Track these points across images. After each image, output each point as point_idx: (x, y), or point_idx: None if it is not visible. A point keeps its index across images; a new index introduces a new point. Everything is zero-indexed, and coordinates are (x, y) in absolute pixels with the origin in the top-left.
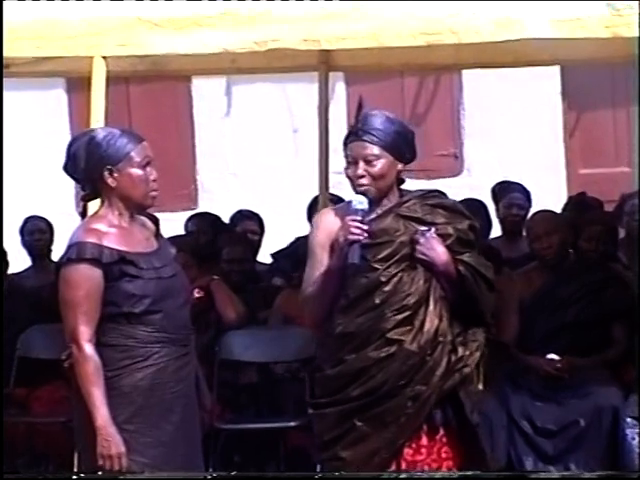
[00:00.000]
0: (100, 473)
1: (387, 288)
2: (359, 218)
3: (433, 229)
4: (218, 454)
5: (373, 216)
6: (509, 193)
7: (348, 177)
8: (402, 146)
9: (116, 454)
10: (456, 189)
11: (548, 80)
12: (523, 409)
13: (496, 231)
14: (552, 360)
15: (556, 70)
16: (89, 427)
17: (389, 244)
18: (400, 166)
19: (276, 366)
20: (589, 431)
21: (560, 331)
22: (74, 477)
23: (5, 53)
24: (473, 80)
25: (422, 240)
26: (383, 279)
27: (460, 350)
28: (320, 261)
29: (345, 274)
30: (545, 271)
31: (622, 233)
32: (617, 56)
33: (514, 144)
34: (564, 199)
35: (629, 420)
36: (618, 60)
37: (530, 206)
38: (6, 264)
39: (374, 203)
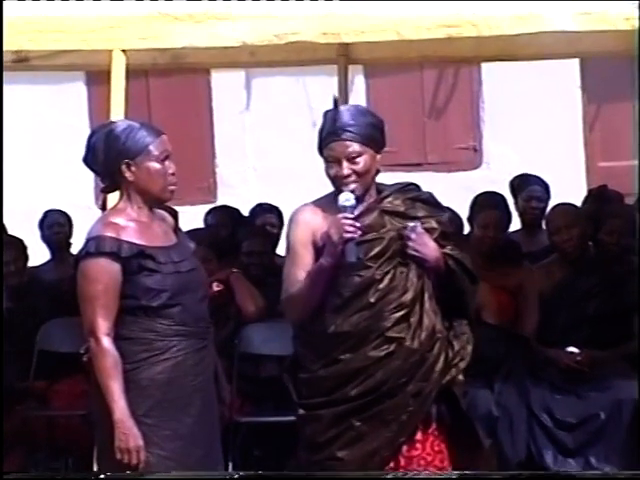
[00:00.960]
0: (118, 470)
1: (382, 286)
2: (350, 215)
3: (419, 224)
4: (238, 447)
5: (357, 212)
6: (528, 186)
7: (330, 177)
8: (378, 137)
9: (134, 447)
10: (475, 182)
11: (567, 73)
12: (543, 402)
13: (515, 224)
14: (572, 353)
15: (575, 63)
16: (107, 420)
17: (379, 241)
18: (378, 157)
19: None
20: (609, 424)
21: (580, 324)
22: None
23: (24, 46)
24: (493, 73)
25: (413, 236)
26: (377, 277)
27: (455, 344)
28: (303, 259)
29: (337, 273)
30: (565, 264)
31: None
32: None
33: (533, 137)
34: (583, 192)
35: None
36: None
37: (549, 199)
38: (26, 257)
39: (359, 198)
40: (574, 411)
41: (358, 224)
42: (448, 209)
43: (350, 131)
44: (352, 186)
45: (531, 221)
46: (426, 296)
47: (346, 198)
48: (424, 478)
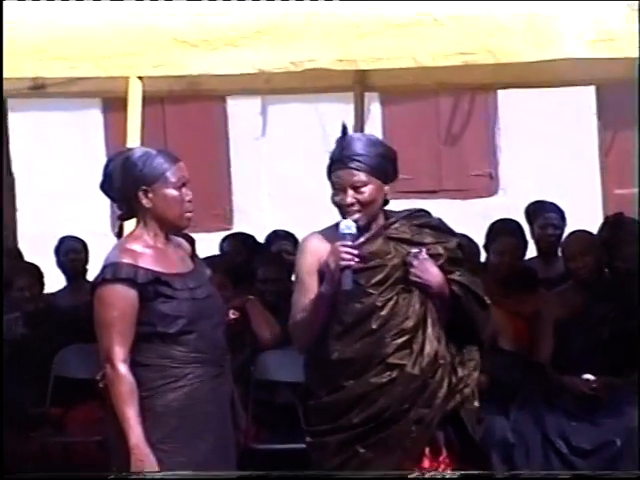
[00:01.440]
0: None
1: (383, 313)
2: (349, 243)
3: (424, 250)
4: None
5: (361, 240)
6: (544, 213)
7: (335, 204)
8: (387, 168)
9: None
10: (491, 209)
11: (583, 100)
12: (558, 429)
13: (531, 251)
14: (588, 380)
15: (591, 90)
16: (123, 447)
17: (382, 268)
18: (386, 188)
19: None
20: (624, 451)
21: (596, 350)
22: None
23: (41, 73)
24: (509, 100)
25: (416, 263)
26: (379, 304)
27: (460, 371)
28: (308, 287)
29: (338, 300)
30: (581, 290)
31: None
32: None
33: (549, 164)
34: (599, 219)
35: None
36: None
37: (565, 226)
38: (42, 284)
39: (363, 227)
40: (589, 438)
41: (356, 252)
42: (463, 235)
43: (357, 160)
44: (356, 216)
45: (547, 248)
46: (429, 322)
47: (347, 225)
48: (427, 478)
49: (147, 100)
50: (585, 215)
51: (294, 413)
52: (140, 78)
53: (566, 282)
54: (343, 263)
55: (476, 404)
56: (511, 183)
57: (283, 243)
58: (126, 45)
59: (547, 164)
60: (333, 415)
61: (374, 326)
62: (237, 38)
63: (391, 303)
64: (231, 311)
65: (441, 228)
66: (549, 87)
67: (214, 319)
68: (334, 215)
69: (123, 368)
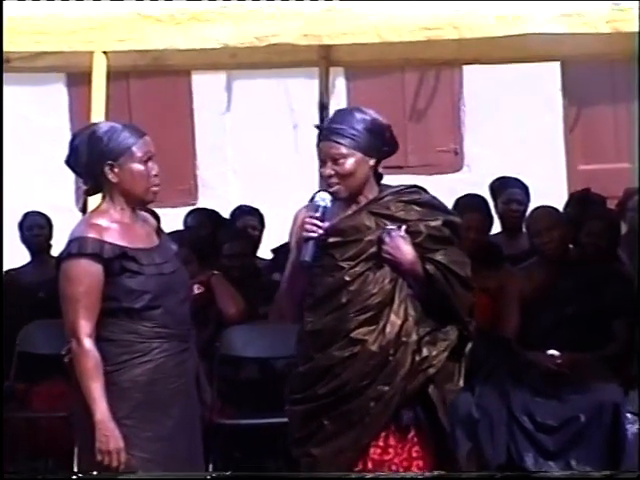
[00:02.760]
0: (99, 472)
1: (352, 287)
2: (317, 215)
3: (404, 227)
4: (218, 450)
5: (349, 212)
6: (507, 189)
7: (321, 176)
8: (373, 142)
9: (115, 449)
10: (456, 185)
11: (548, 76)
12: (524, 405)
13: (495, 227)
14: (553, 356)
15: (556, 66)
16: (88, 422)
17: (357, 243)
18: (372, 162)
19: (276, 361)
20: (589, 427)
21: (561, 326)
22: (75, 477)
23: (5, 48)
24: (474, 76)
25: (387, 239)
26: (348, 278)
27: (425, 350)
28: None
29: (313, 273)
30: (546, 266)
31: (624, 229)
32: (618, 52)
33: (514, 140)
34: (564, 195)
35: (629, 416)
36: (619, 56)
37: (529, 201)
38: None
39: (349, 200)
40: (555, 414)
41: (321, 224)
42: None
43: (338, 133)
44: (335, 187)
45: (511, 224)
46: (396, 300)
47: (321, 198)
48: (398, 478)
49: (112, 75)
50: (550, 191)
51: (259, 388)
52: (105, 53)
53: (531, 258)
54: (305, 234)
55: (460, 384)
56: (476, 159)
57: (248, 218)
58: (91, 20)
59: (512, 140)
60: (304, 385)
61: (343, 300)
62: (202, 13)
63: (361, 278)
64: (196, 286)
65: (432, 205)
66: (514, 62)
67: (180, 294)
68: (299, 189)
69: (88, 343)
